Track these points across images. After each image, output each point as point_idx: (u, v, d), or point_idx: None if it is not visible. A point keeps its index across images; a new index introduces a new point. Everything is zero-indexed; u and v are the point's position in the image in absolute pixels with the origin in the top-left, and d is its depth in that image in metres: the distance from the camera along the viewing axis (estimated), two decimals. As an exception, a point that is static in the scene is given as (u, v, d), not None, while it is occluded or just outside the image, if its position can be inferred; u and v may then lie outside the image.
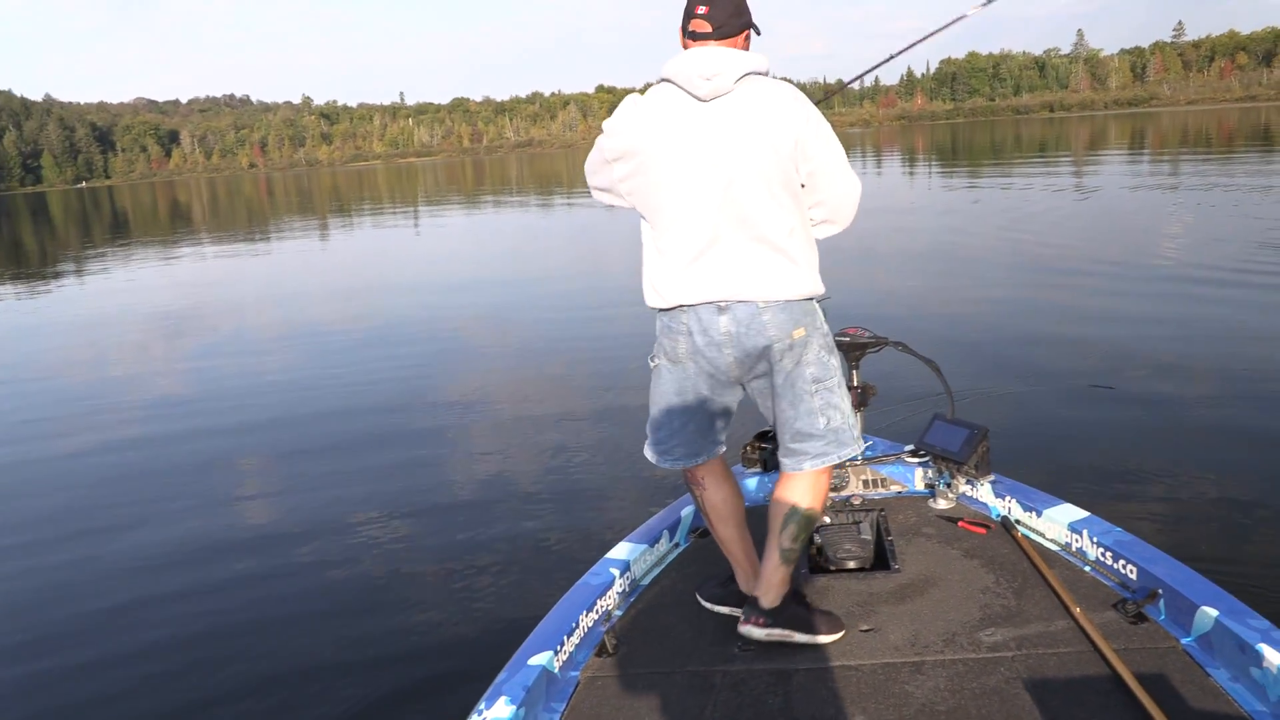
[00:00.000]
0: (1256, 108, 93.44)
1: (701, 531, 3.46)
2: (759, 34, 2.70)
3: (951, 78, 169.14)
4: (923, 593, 2.99)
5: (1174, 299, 9.29)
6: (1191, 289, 9.67)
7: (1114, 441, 5.52)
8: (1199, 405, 6.08)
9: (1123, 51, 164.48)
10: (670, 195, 2.58)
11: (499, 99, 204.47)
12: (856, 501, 3.60)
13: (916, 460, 3.77)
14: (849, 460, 3.52)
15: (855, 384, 3.81)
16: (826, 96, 4.44)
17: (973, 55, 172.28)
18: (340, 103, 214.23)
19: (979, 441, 3.46)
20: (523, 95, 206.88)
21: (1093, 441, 5.56)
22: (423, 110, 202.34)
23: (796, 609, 2.75)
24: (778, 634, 2.71)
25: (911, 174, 34.99)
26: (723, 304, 2.57)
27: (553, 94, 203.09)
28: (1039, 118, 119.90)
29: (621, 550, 3.17)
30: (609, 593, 2.98)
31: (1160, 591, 2.78)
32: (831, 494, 3.59)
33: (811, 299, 2.63)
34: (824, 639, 2.73)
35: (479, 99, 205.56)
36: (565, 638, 2.72)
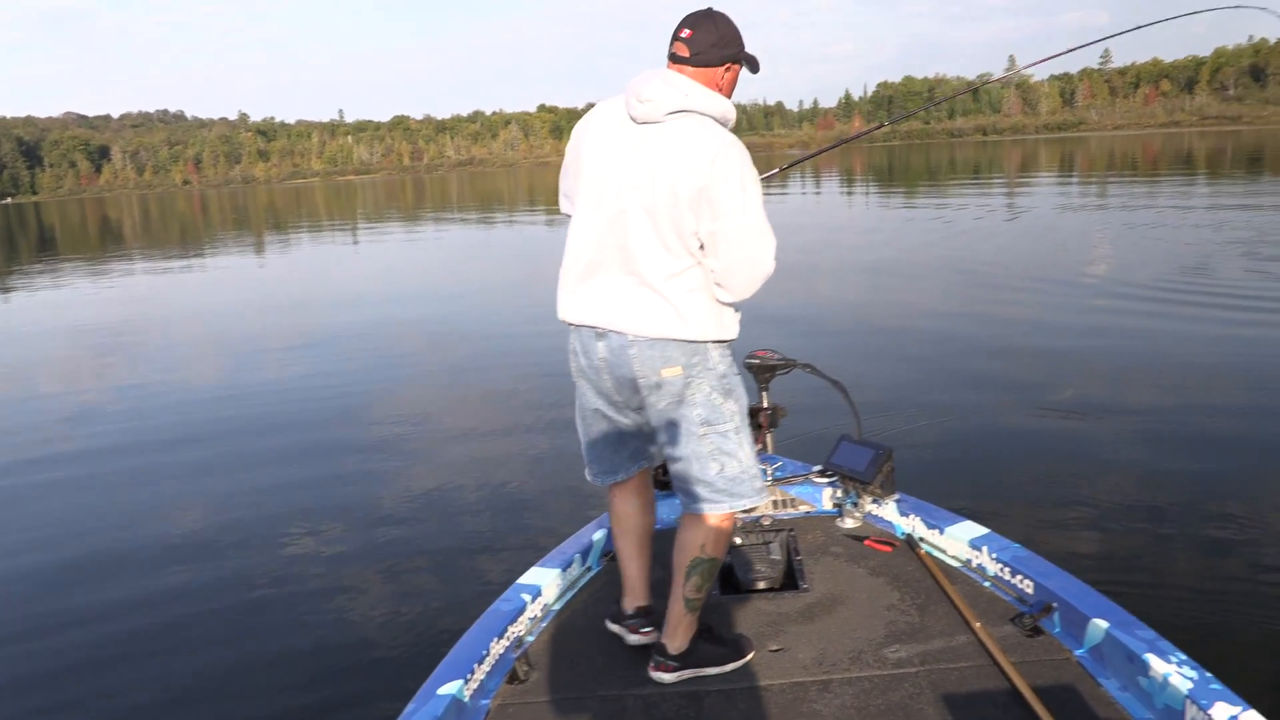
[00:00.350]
0: (1180, 133, 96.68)
1: (614, 555, 3.43)
2: (754, 70, 2.66)
3: (888, 100, 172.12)
4: (830, 611, 3.04)
5: (1083, 322, 9.49)
6: (1102, 313, 9.89)
7: (1014, 460, 5.70)
8: (1096, 425, 6.26)
9: (1052, 77, 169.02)
10: (579, 210, 2.60)
11: (440, 117, 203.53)
12: (766, 522, 3.64)
13: (824, 480, 3.81)
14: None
15: (765, 405, 3.89)
16: (812, 155, 4.44)
17: (908, 79, 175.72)
18: (278, 119, 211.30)
19: (884, 461, 3.53)
20: (464, 113, 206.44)
21: (994, 460, 5.73)
22: (362, 128, 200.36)
23: (704, 646, 2.75)
24: (688, 674, 2.72)
25: (849, 194, 35.48)
26: (600, 330, 2.57)
27: (494, 113, 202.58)
28: (973, 141, 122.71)
29: (533, 575, 3.16)
30: (520, 618, 2.96)
31: (1055, 605, 2.87)
32: (742, 515, 3.60)
33: (696, 341, 2.52)
34: (734, 665, 2.75)
35: (420, 117, 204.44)
36: (476, 665, 2.69)
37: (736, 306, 2.61)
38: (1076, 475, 5.36)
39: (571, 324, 2.65)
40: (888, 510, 3.65)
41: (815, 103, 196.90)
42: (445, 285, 15.87)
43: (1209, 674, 2.41)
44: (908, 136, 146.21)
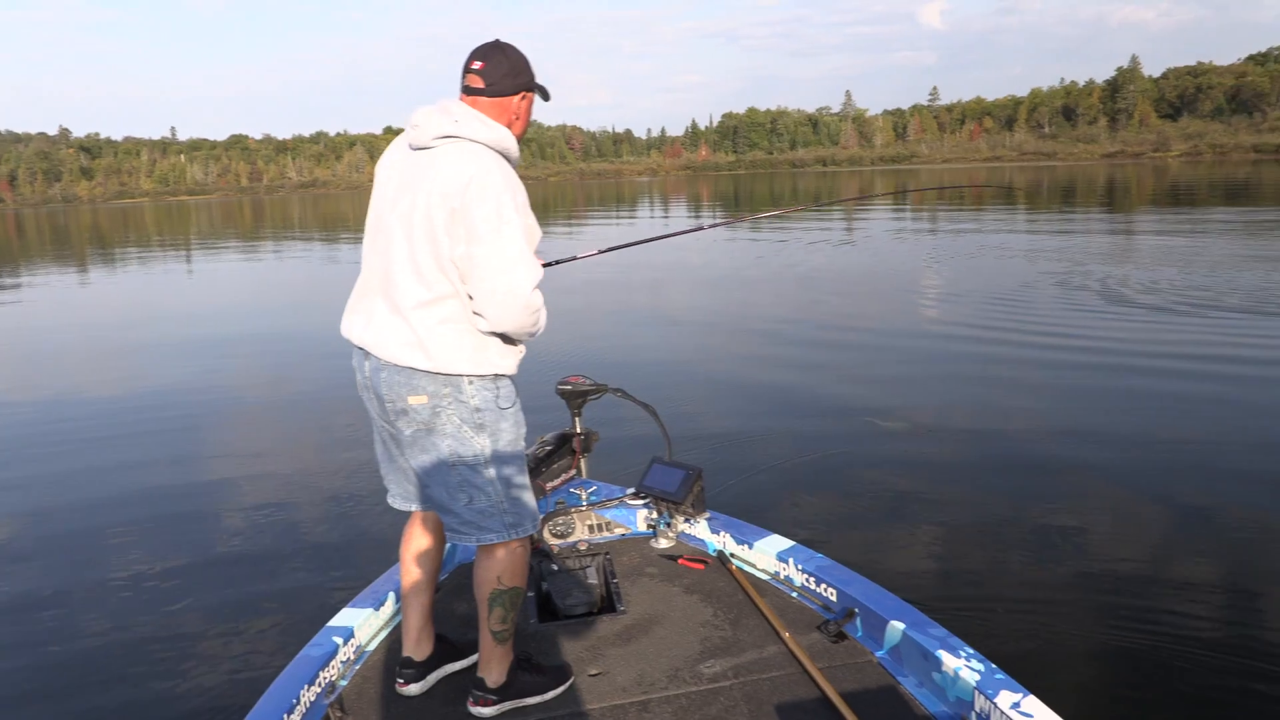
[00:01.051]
0: (1001, 166, 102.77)
1: None
2: (545, 99, 2.73)
3: (733, 131, 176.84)
4: (648, 632, 3.11)
5: (894, 346, 9.91)
6: (915, 339, 10.33)
7: (821, 475, 5.98)
8: (899, 441, 6.63)
9: (886, 112, 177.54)
10: (365, 234, 2.68)
11: (281, 137, 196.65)
12: (583, 547, 3.68)
13: (638, 503, 3.88)
14: (573, 506, 3.81)
15: (579, 430, 3.95)
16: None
17: (752, 111, 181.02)
18: (103, 135, 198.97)
19: (694, 482, 3.64)
20: (306, 134, 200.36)
21: (802, 475, 5.98)
22: (196, 146, 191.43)
23: (522, 676, 2.76)
24: (509, 705, 2.73)
25: (697, 218, 36.11)
26: (366, 351, 2.61)
27: (339, 134, 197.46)
28: (813, 171, 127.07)
29: (345, 616, 3.06)
30: (332, 663, 2.86)
31: (857, 610, 3.04)
32: (558, 541, 3.72)
33: (445, 374, 2.50)
34: (554, 693, 2.78)
35: (259, 136, 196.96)
36: (285, 715, 2.55)
37: (513, 340, 2.60)
38: (878, 487, 5.68)
39: (351, 343, 2.67)
40: (700, 529, 3.73)
41: (663, 131, 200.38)
42: (271, 306, 15.25)
43: (994, 666, 2.59)
44: (753, 166, 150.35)
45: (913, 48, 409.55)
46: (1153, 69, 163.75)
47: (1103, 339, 9.67)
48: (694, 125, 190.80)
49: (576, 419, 3.96)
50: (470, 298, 2.48)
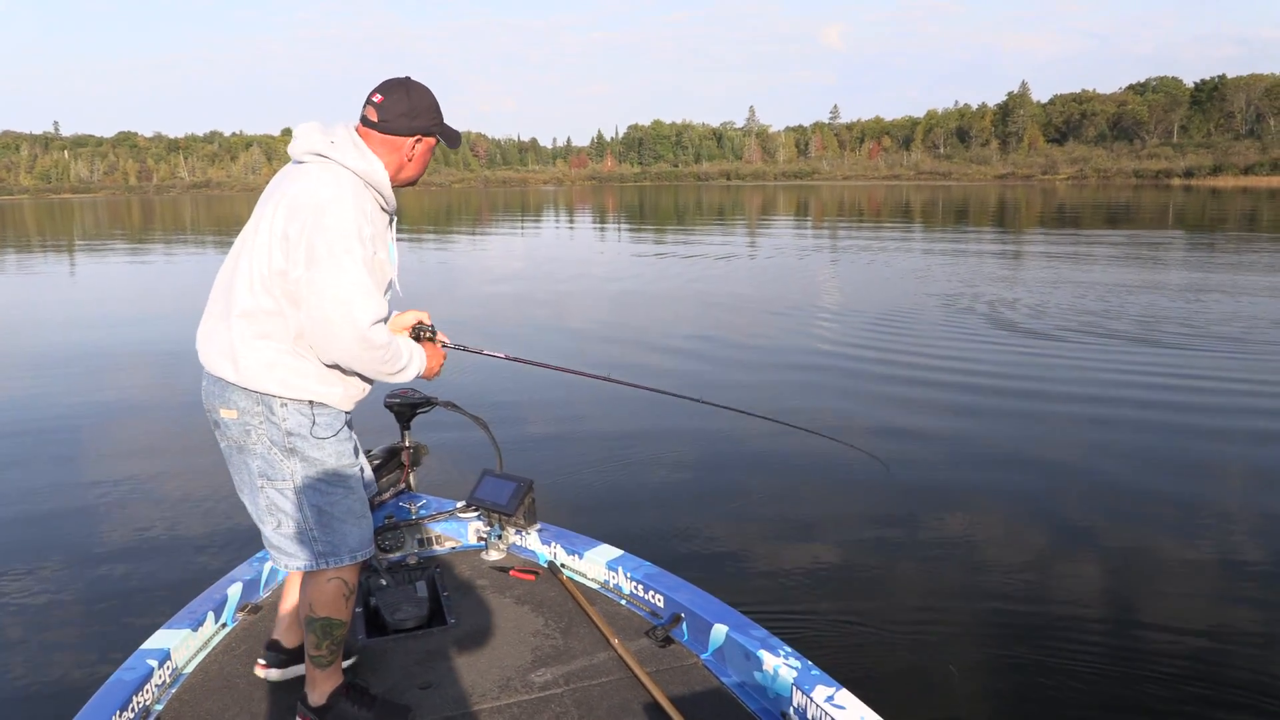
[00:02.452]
0: (899, 185, 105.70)
1: (251, 608, 3.35)
2: (451, 145, 2.65)
3: (639, 143, 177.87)
4: (478, 643, 3.15)
5: (747, 360, 10.03)
6: (780, 354, 10.47)
7: (652, 484, 6.14)
8: (718, 443, 6.88)
9: (788, 129, 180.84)
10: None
11: (172, 135, 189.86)
12: (412, 561, 3.67)
13: (469, 515, 3.89)
14: (403, 520, 3.81)
15: (407, 444, 3.92)
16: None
17: (657, 123, 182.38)
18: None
19: (525, 493, 3.68)
20: (200, 133, 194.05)
21: (634, 484, 6.13)
22: (81, 143, 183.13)
23: (345, 705, 2.68)
24: None
25: (602, 229, 36.08)
26: (203, 363, 2.57)
27: (234, 134, 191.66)
28: (718, 185, 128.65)
29: (160, 638, 2.97)
30: (146, 687, 2.76)
31: (683, 615, 3.15)
32: (386, 555, 3.69)
33: (256, 391, 2.44)
34: None
35: (149, 134, 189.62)
36: None
37: (349, 373, 2.52)
38: (697, 498, 5.83)
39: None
40: (530, 540, 3.78)
41: (569, 141, 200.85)
42: (139, 312, 14.61)
43: (810, 663, 2.74)
44: (658, 178, 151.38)
45: (814, 67, 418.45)
46: (1041, 95, 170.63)
47: (965, 358, 9.89)
48: (600, 136, 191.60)
49: (405, 432, 3.92)
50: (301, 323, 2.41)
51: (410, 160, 2.58)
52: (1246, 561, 4.87)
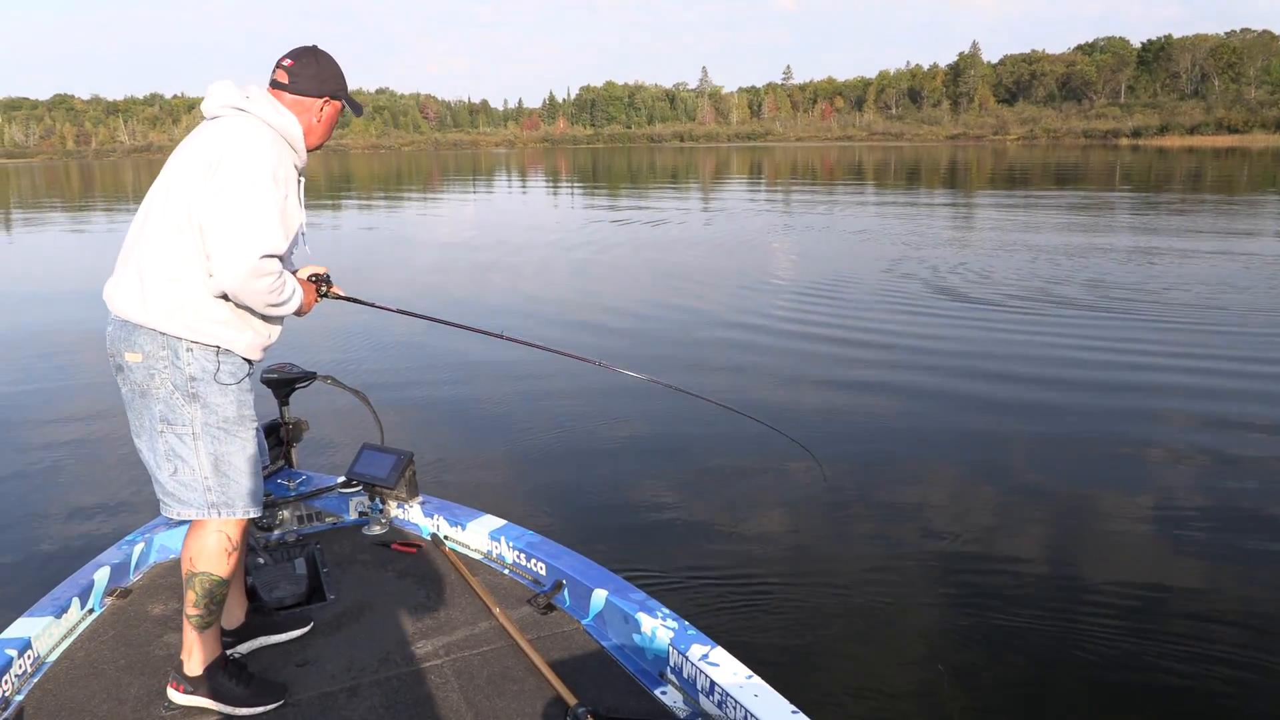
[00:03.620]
0: (852, 146, 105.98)
1: (121, 592, 3.30)
2: (356, 113, 2.84)
3: (591, 104, 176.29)
4: (358, 618, 3.15)
5: (658, 328, 9.94)
6: (696, 322, 10.38)
7: (537, 453, 6.05)
8: (609, 410, 6.90)
9: (741, 90, 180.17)
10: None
11: (111, 98, 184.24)
12: (291, 539, 3.65)
13: (350, 490, 3.87)
14: (282, 498, 3.77)
15: (286, 420, 3.88)
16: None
17: (610, 84, 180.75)
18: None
19: (405, 466, 3.68)
20: (140, 95, 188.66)
21: (518, 454, 6.09)
22: (15, 105, 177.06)
23: (222, 680, 2.67)
24: (198, 702, 2.67)
25: (555, 190, 35.74)
26: (109, 306, 2.59)
27: (175, 96, 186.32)
28: (671, 146, 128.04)
29: (20, 627, 2.91)
30: (5, 677, 2.72)
31: (564, 582, 3.20)
32: (264, 534, 3.65)
33: (162, 334, 2.49)
34: (247, 712, 2.66)
35: (86, 96, 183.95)
36: None
37: (253, 322, 2.58)
38: (579, 466, 5.82)
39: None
40: (413, 513, 3.79)
41: (520, 102, 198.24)
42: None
43: (688, 623, 2.83)
44: (611, 140, 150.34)
45: (766, 27, 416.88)
46: (991, 55, 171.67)
47: (894, 330, 9.79)
48: (551, 97, 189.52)
49: (284, 408, 3.88)
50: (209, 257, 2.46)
51: (318, 122, 2.70)
52: (1185, 521, 4.92)
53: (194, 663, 2.66)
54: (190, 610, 2.64)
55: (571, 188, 39.59)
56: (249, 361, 2.65)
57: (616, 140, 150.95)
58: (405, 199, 33.69)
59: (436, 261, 15.73)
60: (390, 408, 3.95)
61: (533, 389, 7.49)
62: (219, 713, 2.65)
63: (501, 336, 3.51)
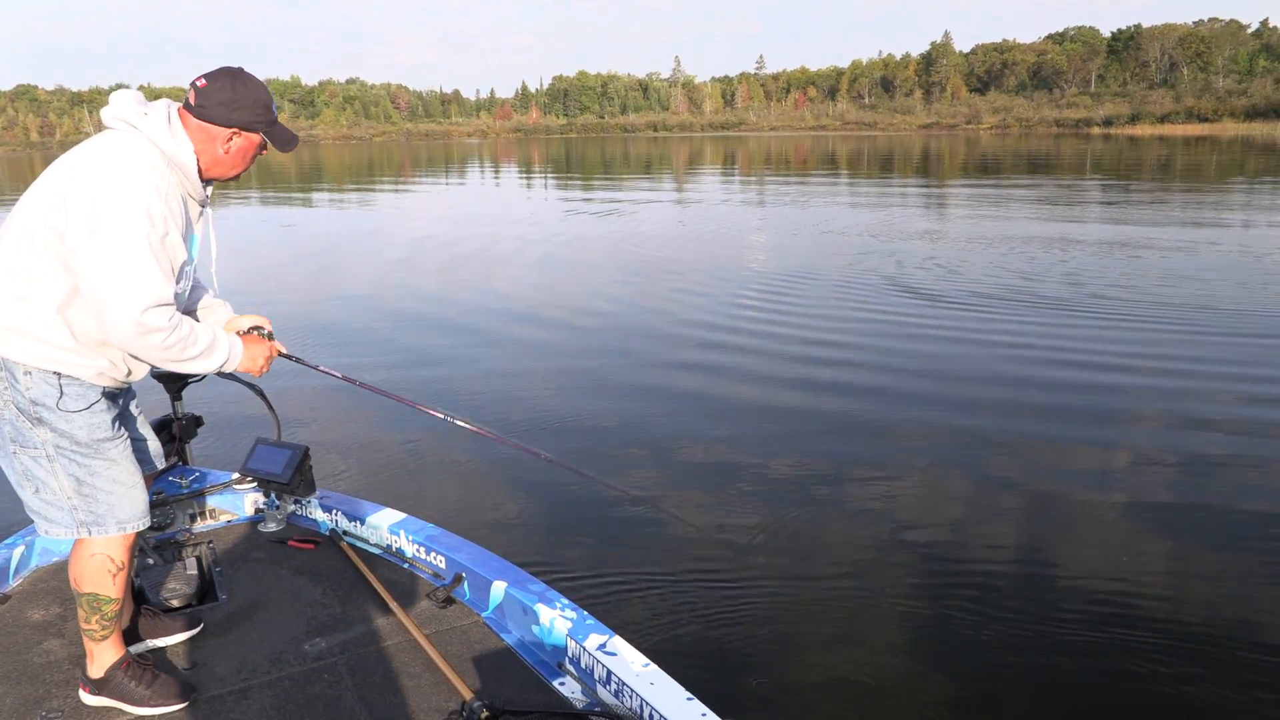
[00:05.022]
0: (825, 135, 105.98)
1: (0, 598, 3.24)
2: (282, 148, 2.56)
3: (564, 94, 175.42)
4: (250, 618, 3.06)
5: (555, 317, 9.89)
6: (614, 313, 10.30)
7: (439, 445, 5.96)
8: (510, 403, 6.91)
9: (714, 79, 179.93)
10: None
11: (75, 89, 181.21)
12: (183, 537, 3.57)
13: (245, 487, 3.79)
14: (173, 495, 3.68)
15: (178, 415, 3.79)
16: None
17: (582, 74, 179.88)
18: None
19: (301, 461, 3.56)
20: (105, 86, 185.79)
21: (422, 445, 5.96)
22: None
23: (124, 681, 2.60)
24: (105, 702, 2.63)
25: (529, 181, 35.43)
26: None
27: (141, 86, 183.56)
28: (645, 136, 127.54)
29: None
30: None
31: (464, 575, 3.16)
32: (155, 534, 3.56)
33: (3, 357, 2.32)
34: (151, 712, 2.60)
35: (50, 87, 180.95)
36: None
37: (121, 353, 2.39)
38: (473, 457, 5.74)
39: None
40: (310, 509, 3.70)
41: (493, 92, 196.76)
42: None
43: (586, 613, 2.82)
44: (584, 130, 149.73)
45: (739, 16, 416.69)
46: (963, 45, 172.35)
47: (850, 329, 9.66)
48: (524, 87, 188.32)
49: (176, 404, 3.77)
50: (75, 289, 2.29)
51: (226, 154, 2.48)
52: (1156, 517, 4.84)
53: (96, 666, 2.62)
54: (84, 625, 2.59)
55: (545, 178, 39.28)
56: (103, 387, 2.45)
57: (590, 130, 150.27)
58: (377, 190, 33.26)
59: (403, 257, 15.46)
60: (286, 399, 3.75)
61: (435, 375, 7.48)
62: (123, 714, 2.60)
63: (451, 419, 3.17)
